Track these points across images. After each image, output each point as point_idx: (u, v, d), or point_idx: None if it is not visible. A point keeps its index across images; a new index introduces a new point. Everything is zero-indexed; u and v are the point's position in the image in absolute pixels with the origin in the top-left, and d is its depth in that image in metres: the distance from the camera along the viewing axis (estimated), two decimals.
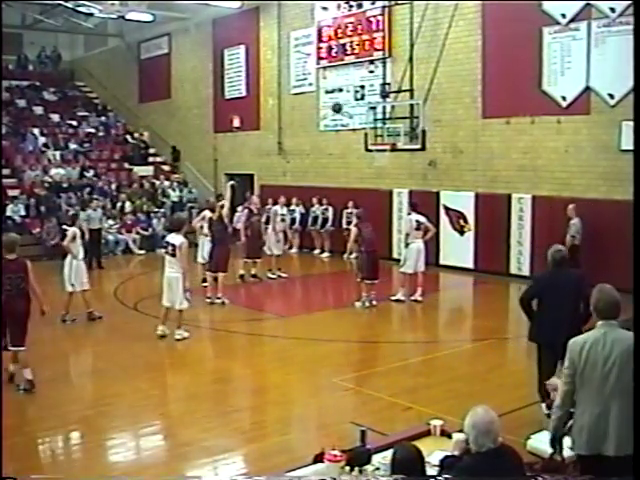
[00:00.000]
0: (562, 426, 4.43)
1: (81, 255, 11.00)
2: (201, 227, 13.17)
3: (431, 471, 4.15)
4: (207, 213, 12.83)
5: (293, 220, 17.92)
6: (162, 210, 20.49)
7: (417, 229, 12.25)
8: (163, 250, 10.15)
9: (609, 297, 4.41)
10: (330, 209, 17.71)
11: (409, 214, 12.66)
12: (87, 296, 11.02)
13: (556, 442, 4.49)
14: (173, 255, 9.61)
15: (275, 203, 16.44)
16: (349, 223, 16.51)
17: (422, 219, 12.36)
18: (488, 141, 14.73)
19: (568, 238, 12.26)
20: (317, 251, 18.16)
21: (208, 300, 12.10)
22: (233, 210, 14.54)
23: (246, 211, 14.39)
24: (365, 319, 11.53)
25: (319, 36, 18.09)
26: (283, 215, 16.16)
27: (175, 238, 9.68)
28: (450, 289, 14.36)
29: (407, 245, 12.44)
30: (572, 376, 4.33)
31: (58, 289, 15.61)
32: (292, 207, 17.95)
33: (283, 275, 14.85)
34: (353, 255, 12.98)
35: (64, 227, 18.19)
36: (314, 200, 17.93)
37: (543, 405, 5.54)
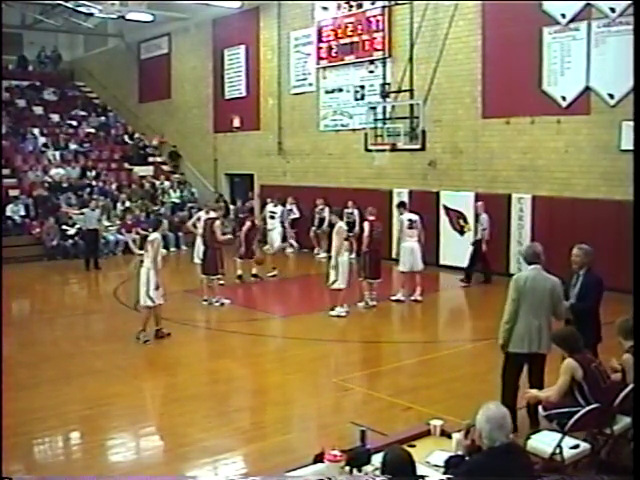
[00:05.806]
0: (509, 336, 6.17)
1: (160, 265, 9.75)
2: (194, 226, 13.30)
3: (430, 472, 4.14)
4: (202, 214, 12.84)
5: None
6: (162, 210, 20.49)
7: (410, 228, 12.26)
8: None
9: (535, 249, 6.39)
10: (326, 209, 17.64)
11: (401, 214, 12.67)
12: (159, 311, 9.97)
13: (506, 347, 6.24)
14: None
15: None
16: (349, 223, 16.49)
17: (414, 217, 12.37)
18: (488, 141, 14.72)
19: (480, 233, 13.58)
20: (315, 250, 18.12)
21: (205, 302, 12.13)
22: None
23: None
24: (365, 319, 11.52)
25: (319, 36, 18.08)
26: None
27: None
28: (450, 289, 14.35)
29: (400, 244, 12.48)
30: (517, 300, 6.14)
31: (58, 289, 15.65)
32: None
33: None
34: (353, 255, 12.92)
35: (64, 227, 18.28)
36: (318, 201, 17.80)
37: (540, 408, 5.59)
